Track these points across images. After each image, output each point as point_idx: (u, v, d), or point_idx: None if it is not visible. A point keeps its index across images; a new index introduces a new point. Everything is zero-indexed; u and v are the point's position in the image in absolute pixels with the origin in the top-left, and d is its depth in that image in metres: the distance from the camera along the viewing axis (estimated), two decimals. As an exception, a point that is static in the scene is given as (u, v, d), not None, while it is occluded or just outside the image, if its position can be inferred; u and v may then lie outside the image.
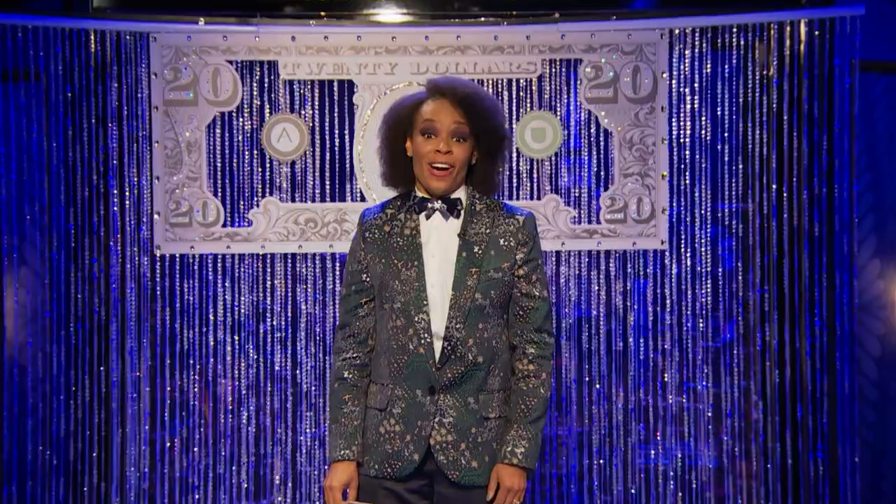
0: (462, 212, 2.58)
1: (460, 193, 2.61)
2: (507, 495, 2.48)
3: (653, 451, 3.98)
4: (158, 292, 3.97)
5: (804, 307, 3.92)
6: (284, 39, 3.95)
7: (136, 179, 3.96)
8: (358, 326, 2.63)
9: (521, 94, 3.97)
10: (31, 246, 3.97)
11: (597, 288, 3.98)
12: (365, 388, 2.61)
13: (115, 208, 3.96)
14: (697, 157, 3.97)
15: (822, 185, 3.90)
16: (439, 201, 2.58)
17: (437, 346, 2.50)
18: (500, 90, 3.98)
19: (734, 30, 3.95)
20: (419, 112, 2.58)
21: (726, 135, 3.95)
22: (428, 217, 2.59)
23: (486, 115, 2.57)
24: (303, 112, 3.98)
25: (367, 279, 2.62)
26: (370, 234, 2.62)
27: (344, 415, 2.56)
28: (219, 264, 3.99)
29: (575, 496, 4.00)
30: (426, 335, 2.50)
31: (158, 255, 3.97)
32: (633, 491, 3.99)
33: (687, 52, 3.97)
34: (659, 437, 3.98)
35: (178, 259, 3.98)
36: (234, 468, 4.00)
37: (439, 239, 2.57)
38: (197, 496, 3.98)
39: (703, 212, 3.97)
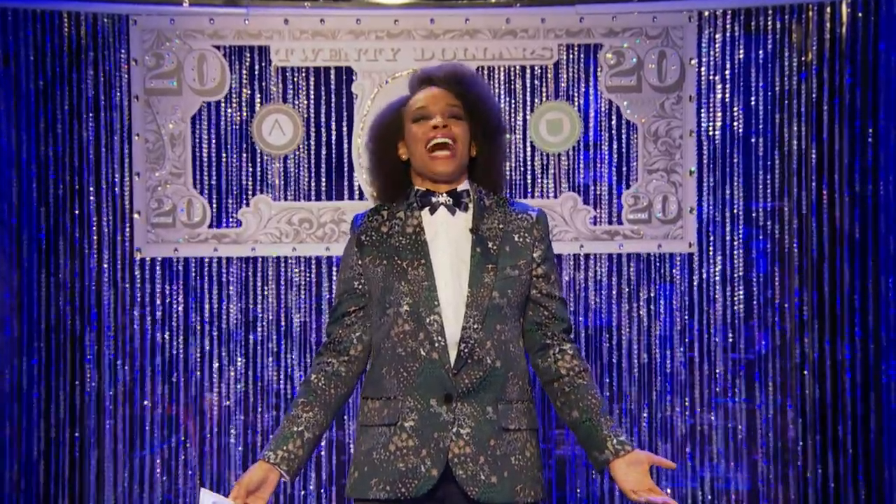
0: (470, 205, 2.54)
1: (465, 186, 2.56)
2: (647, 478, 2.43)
3: (680, 474, 3.90)
4: (139, 299, 3.91)
5: (846, 315, 3.83)
6: (277, 23, 3.89)
7: (114, 176, 3.89)
8: (340, 334, 2.56)
9: (536, 82, 3.91)
10: (-1, 248, 3.94)
11: (619, 294, 3.91)
12: (329, 397, 2.53)
13: (92, 207, 3.89)
14: (729, 151, 3.91)
15: (866, 182, 3.82)
16: (444, 195, 2.52)
17: (452, 349, 2.43)
18: (512, 78, 3.92)
19: (769, 12, 3.88)
20: (407, 107, 2.58)
21: (760, 127, 3.90)
22: (432, 212, 2.52)
23: (478, 93, 2.58)
24: (297, 102, 3.92)
25: (360, 286, 2.55)
26: (366, 237, 2.55)
27: (288, 417, 2.51)
28: (205, 268, 3.92)
29: (595, 522, 3.93)
30: (440, 338, 2.42)
31: (139, 258, 3.91)
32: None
33: (717, 36, 3.90)
34: (687, 458, 3.89)
35: (160, 263, 3.91)
36: (220, 490, 3.87)
37: (448, 235, 2.50)
38: (180, 521, 3.94)
39: (734, 211, 3.90)
